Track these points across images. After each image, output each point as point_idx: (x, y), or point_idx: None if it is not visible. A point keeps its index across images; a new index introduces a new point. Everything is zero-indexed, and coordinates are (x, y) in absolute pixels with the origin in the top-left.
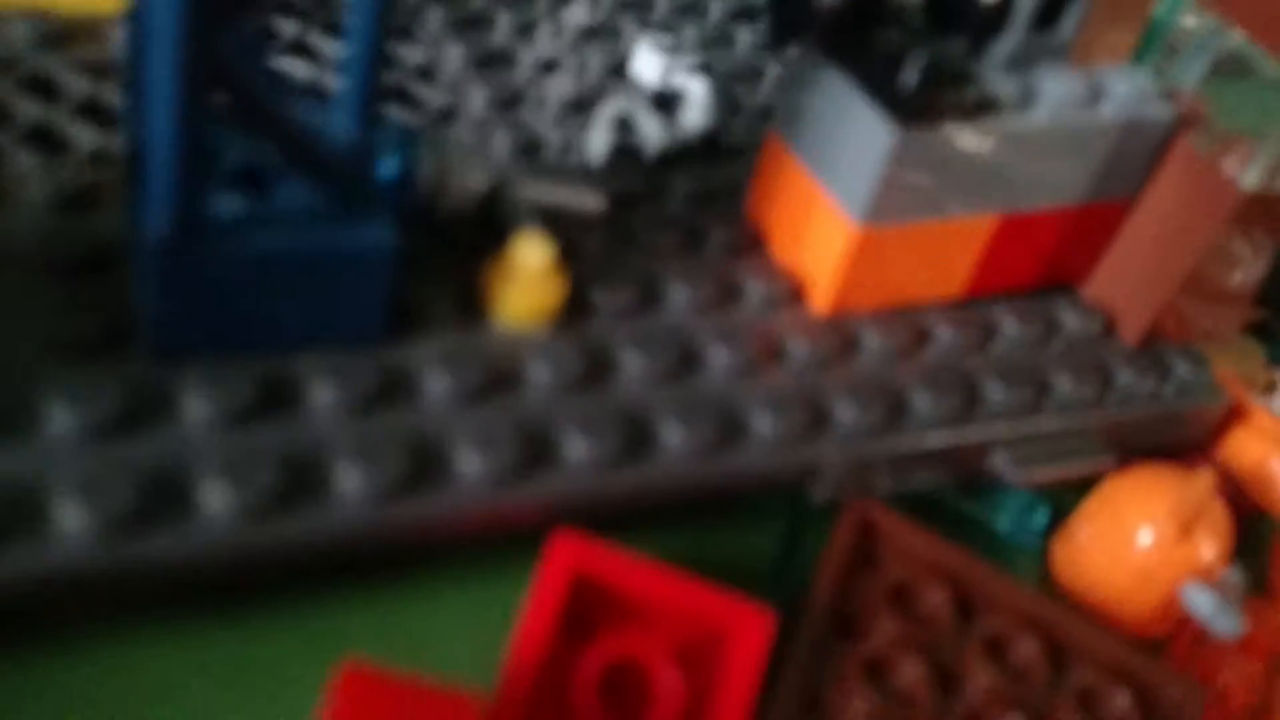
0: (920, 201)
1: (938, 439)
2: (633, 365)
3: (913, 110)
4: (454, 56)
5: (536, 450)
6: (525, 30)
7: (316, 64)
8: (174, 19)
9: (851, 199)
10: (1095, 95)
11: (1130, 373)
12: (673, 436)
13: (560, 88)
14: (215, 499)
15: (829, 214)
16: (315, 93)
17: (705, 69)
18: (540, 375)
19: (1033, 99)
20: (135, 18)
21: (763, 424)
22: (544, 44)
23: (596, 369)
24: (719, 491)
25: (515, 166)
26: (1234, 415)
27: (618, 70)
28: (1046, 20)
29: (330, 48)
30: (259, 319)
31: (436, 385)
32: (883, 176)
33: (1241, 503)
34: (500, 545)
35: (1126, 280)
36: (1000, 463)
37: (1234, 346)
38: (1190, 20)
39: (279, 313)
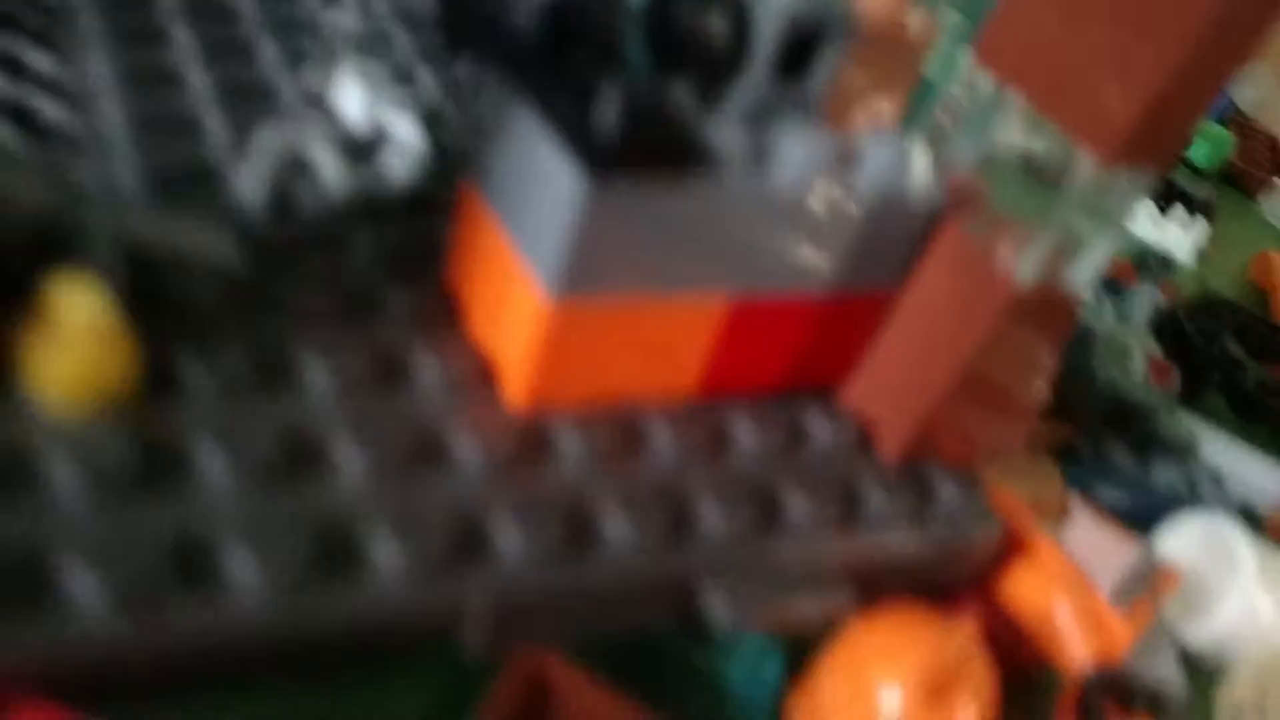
0: (630, 273)
1: (632, 572)
2: (214, 469)
3: (610, 158)
4: (98, 70)
5: (31, 586)
6: (213, 50)
7: None
8: None
9: (544, 264)
10: (846, 162)
11: (883, 495)
12: (253, 570)
13: (232, 118)
14: None
15: (522, 283)
16: None
17: (425, 105)
18: (64, 480)
19: (767, 158)
20: None
21: (389, 552)
22: (233, 68)
23: (158, 474)
24: (336, 640)
25: (139, 203)
26: (1014, 549)
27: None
28: (793, 68)
29: None
30: None
31: None
32: (575, 237)
33: (1020, 653)
34: None
35: (888, 386)
36: (715, 601)
37: (1026, 468)
38: (971, 86)
39: None
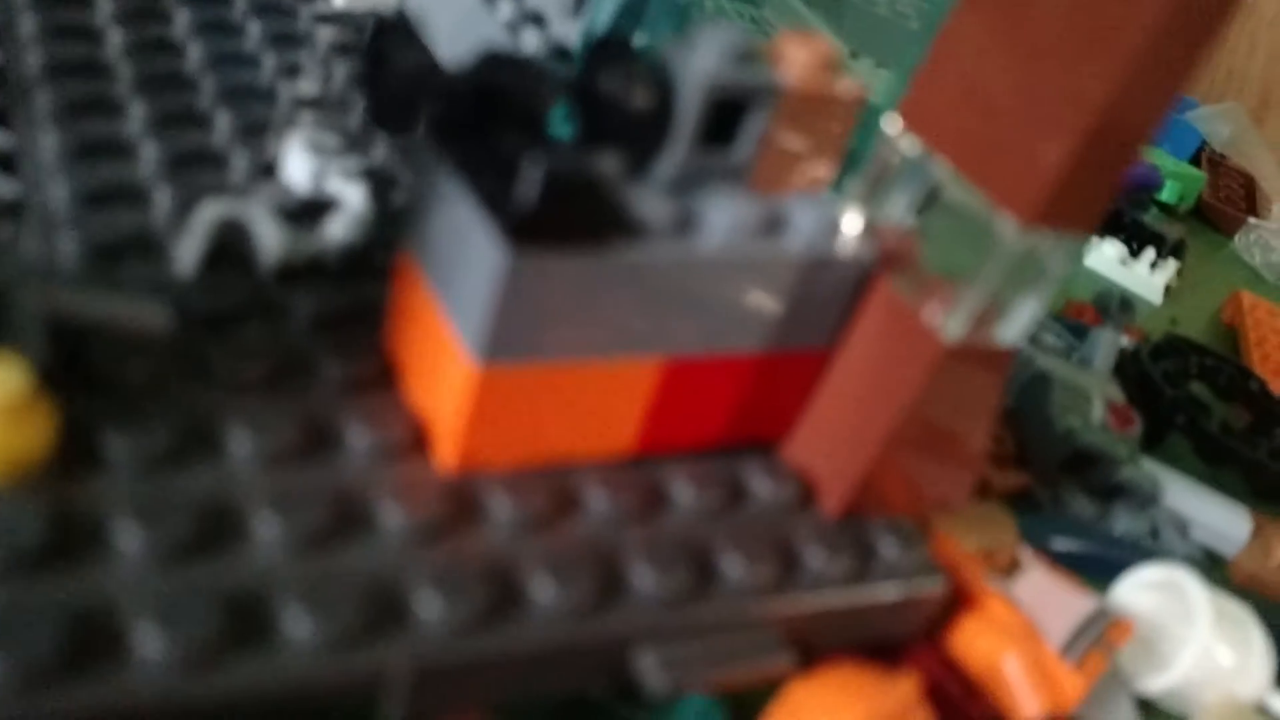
0: (558, 338)
1: (561, 635)
2: (126, 542)
3: (534, 228)
4: (47, 144)
5: None
6: (162, 122)
7: None
8: None
9: (471, 330)
10: (774, 225)
11: (822, 552)
12: (158, 642)
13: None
14: None
15: (451, 348)
16: None
17: (373, 175)
18: None
19: (694, 225)
20: None
21: (299, 621)
22: (187, 138)
23: (67, 547)
24: (248, 712)
25: (73, 274)
26: (962, 602)
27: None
28: (719, 135)
29: None
30: None
31: None
32: (500, 305)
33: (969, 707)
34: None
35: (826, 441)
36: (649, 665)
37: (980, 517)
38: (900, 148)
39: None
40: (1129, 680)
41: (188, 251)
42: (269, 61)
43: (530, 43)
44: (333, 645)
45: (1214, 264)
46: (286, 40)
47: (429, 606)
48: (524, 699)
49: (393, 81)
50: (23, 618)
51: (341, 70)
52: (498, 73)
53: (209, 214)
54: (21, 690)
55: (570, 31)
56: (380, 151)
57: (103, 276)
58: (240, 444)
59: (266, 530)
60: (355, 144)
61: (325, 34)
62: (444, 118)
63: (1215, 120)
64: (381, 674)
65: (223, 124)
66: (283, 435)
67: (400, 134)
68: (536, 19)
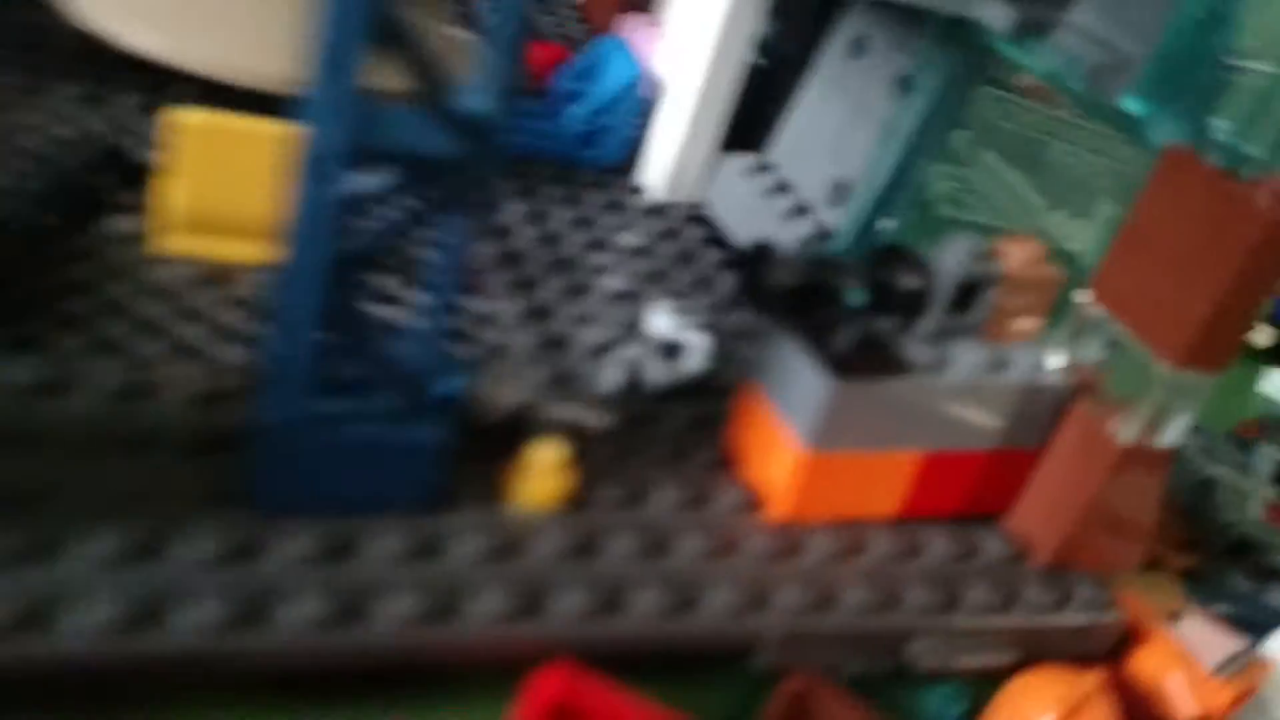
0: (856, 435)
1: (862, 624)
2: (617, 545)
3: (847, 368)
4: (509, 310)
5: (532, 601)
6: (570, 292)
7: (400, 307)
8: (316, 278)
9: (802, 428)
10: (1001, 364)
11: (1034, 588)
12: (641, 601)
13: (591, 335)
14: (292, 613)
15: (785, 439)
16: (395, 328)
17: (707, 327)
18: (542, 547)
19: (946, 364)
20: (279, 269)
21: (715, 598)
22: (583, 303)
23: (588, 546)
24: (679, 649)
25: (545, 390)
26: (1135, 636)
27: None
28: (961, 306)
29: (412, 296)
30: (341, 489)
31: (463, 548)
32: (825, 416)
33: (1140, 713)
34: (494, 677)
35: (1037, 515)
36: (918, 650)
37: (1152, 583)
38: (1089, 312)
39: (355, 485)
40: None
41: (609, 378)
42: (620, 243)
43: (801, 228)
44: (733, 613)
45: None
46: (625, 224)
47: (784, 596)
48: (833, 671)
49: (767, 286)
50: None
51: (671, 246)
52: (820, 269)
53: (622, 355)
54: None
55: (832, 218)
56: (710, 310)
57: (564, 393)
58: (665, 495)
59: (690, 546)
60: (694, 306)
61: (654, 224)
62: (784, 297)
63: None
64: (759, 636)
65: (599, 292)
66: (684, 491)
67: (760, 311)
68: (805, 210)
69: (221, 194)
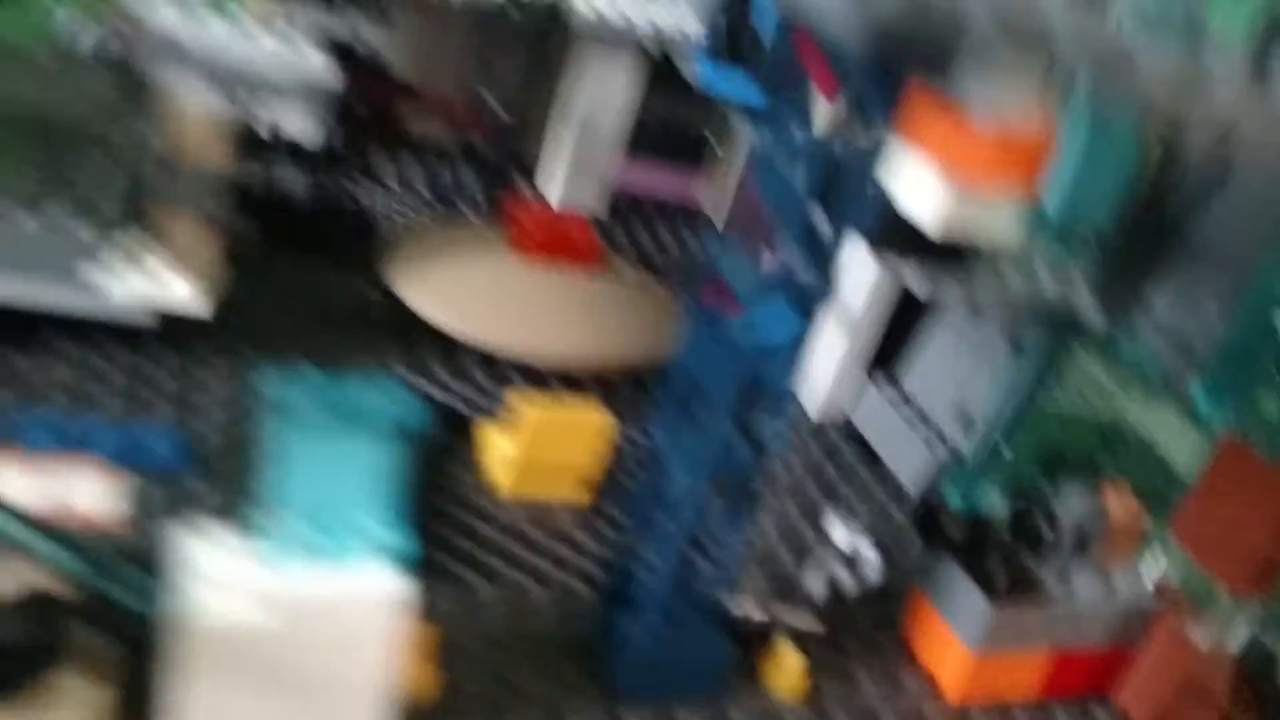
0: (1004, 637)
1: None
2: None
3: (999, 593)
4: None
5: None
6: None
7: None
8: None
9: (965, 635)
10: (1112, 590)
11: None
12: None
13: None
14: None
15: (952, 640)
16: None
17: (876, 541)
18: None
19: (1070, 588)
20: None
21: None
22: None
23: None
24: None
25: (769, 598)
26: None
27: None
28: (1081, 548)
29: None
30: (691, 676)
31: None
32: (983, 627)
33: None
34: None
35: (1138, 694)
36: None
37: None
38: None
39: (703, 671)
40: None
41: (817, 584)
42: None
43: (938, 451)
44: None
45: None
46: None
47: None
48: None
49: (938, 534)
50: None
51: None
52: (976, 526)
53: (826, 567)
54: None
55: (961, 443)
56: (874, 523)
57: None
58: (871, 687)
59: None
60: (863, 521)
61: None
62: (951, 542)
63: None
64: None
65: (790, 512)
66: (881, 685)
67: (931, 550)
68: (939, 435)
69: (548, 456)
